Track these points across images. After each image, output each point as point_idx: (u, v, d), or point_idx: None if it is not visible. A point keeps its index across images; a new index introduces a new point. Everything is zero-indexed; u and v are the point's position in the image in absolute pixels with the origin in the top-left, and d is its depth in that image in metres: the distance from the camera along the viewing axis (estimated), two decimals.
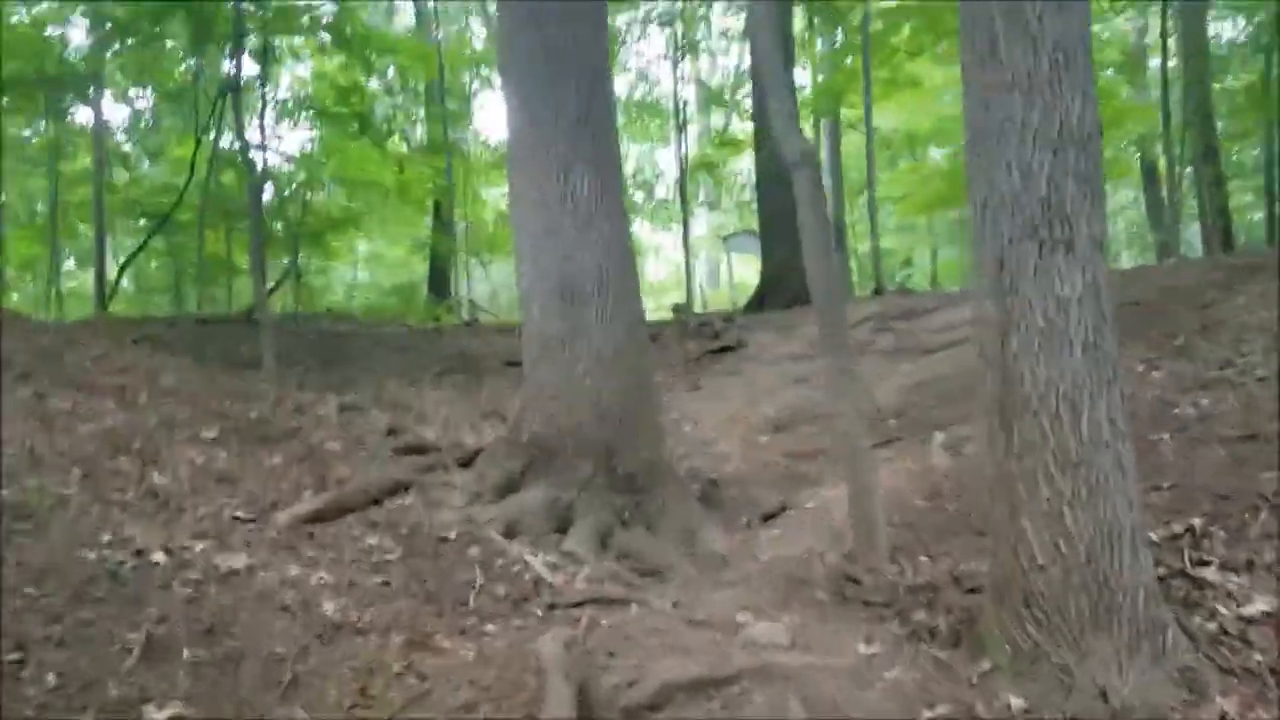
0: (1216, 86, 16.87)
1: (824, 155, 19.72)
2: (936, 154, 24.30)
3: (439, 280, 18.25)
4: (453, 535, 4.81)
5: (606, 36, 5.70)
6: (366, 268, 22.87)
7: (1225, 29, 17.47)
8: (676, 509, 5.13)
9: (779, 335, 10.37)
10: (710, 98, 18.04)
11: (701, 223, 25.26)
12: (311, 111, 17.65)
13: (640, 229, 26.71)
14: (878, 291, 13.07)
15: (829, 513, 5.29)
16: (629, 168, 21.25)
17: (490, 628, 3.90)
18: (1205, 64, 16.21)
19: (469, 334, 13.00)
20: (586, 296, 5.28)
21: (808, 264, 4.64)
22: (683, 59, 15.73)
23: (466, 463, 5.88)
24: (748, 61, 15.79)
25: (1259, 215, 19.04)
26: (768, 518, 5.42)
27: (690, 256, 15.53)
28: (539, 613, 4.06)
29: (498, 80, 11.72)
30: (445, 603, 4.13)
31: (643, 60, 17.27)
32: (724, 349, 10.35)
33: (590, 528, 4.83)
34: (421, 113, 18.79)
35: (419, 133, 19.82)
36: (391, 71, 18.29)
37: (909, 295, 12.12)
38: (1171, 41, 16.74)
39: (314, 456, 6.36)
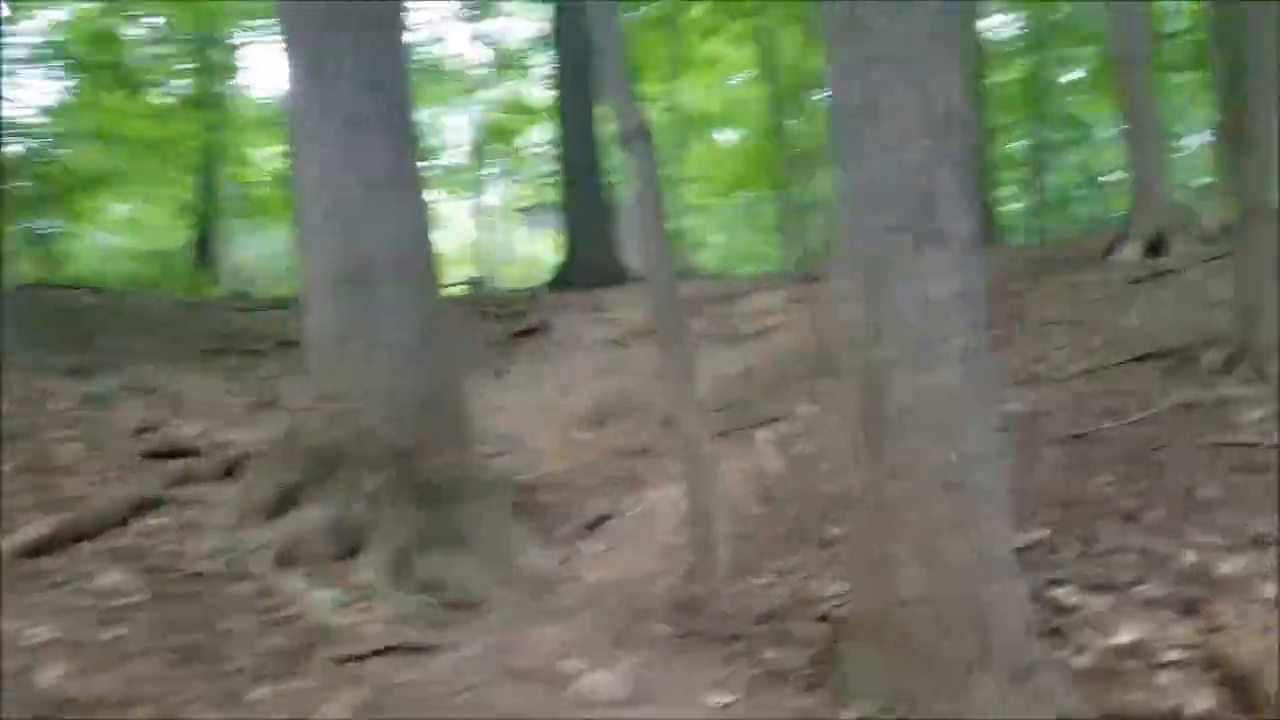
0: (987, 81, 17.73)
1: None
2: (721, 136, 24.53)
3: (205, 248, 16.54)
4: (213, 568, 3.97)
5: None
6: (125, 233, 20.52)
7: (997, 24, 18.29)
8: (488, 523, 4.48)
9: (588, 317, 9.83)
10: (507, 61, 17.18)
11: (494, 194, 24.38)
12: (60, 59, 15.55)
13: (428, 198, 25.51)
14: (685, 273, 12.75)
15: (656, 520, 4.81)
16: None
17: (260, 692, 3.14)
18: (976, 57, 16.96)
19: (239, 308, 11.70)
20: (378, 279, 4.51)
21: (642, 244, 4.13)
22: (476, 18, 14.83)
23: (232, 470, 4.99)
24: (548, 25, 15.06)
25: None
26: (591, 527, 4.87)
27: (484, 229, 14.72)
28: (322, 669, 3.33)
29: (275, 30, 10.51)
30: (203, 661, 3.32)
31: (431, 17, 16.12)
32: (529, 330, 9.70)
33: (385, 552, 4.10)
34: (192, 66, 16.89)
35: (188, 87, 17.86)
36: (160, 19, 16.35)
37: (718, 279, 11.87)
38: None
39: (44, 465, 5.27)
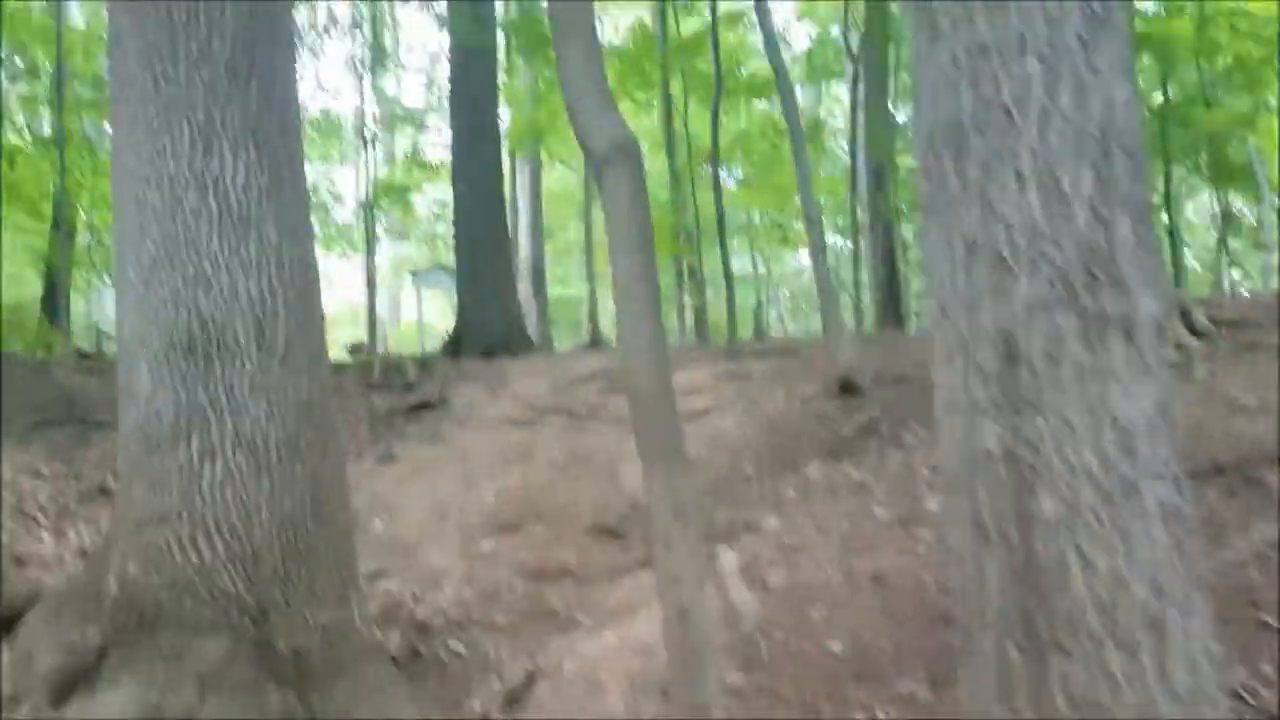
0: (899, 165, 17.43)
1: (521, 195, 18.13)
2: None
3: (55, 301, 14.42)
4: None
5: None
6: None
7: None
8: (373, 704, 3.06)
9: (488, 391, 8.45)
10: (401, 117, 15.81)
11: (383, 253, 22.74)
12: None
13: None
14: (594, 342, 11.47)
15: (604, 685, 3.47)
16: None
17: None
18: (887, 141, 16.59)
19: (84, 370, 9.81)
20: (234, 349, 3.10)
21: (623, 291, 2.87)
22: (370, 71, 13.46)
23: (13, 620, 3.42)
24: (444, 80, 13.83)
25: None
26: (514, 697, 3.48)
27: (375, 290, 13.22)
28: None
29: None
30: None
31: (321, 66, 14.65)
32: (422, 405, 8.24)
33: None
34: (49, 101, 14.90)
35: (45, 125, 15.82)
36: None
37: None
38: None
39: None
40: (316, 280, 3.48)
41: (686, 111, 16.93)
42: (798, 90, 21.08)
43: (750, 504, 4.91)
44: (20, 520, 4.94)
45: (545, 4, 3.29)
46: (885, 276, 16.60)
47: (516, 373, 9.17)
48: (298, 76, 3.70)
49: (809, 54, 20.46)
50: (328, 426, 3.35)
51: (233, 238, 3.15)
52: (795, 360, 7.97)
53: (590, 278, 12.03)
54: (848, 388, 6.39)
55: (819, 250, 6.71)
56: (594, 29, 3.06)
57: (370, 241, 12.17)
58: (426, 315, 22.55)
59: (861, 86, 16.28)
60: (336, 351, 14.81)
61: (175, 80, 3.14)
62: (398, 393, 8.94)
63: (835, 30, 19.39)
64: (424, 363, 10.56)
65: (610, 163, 2.68)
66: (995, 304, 1.90)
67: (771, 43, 6.94)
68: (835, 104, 21.96)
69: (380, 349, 15.69)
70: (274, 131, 3.31)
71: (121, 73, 3.21)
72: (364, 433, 7.69)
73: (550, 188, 20.11)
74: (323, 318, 3.52)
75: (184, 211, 3.11)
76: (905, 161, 19.11)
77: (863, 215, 18.46)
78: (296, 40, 3.62)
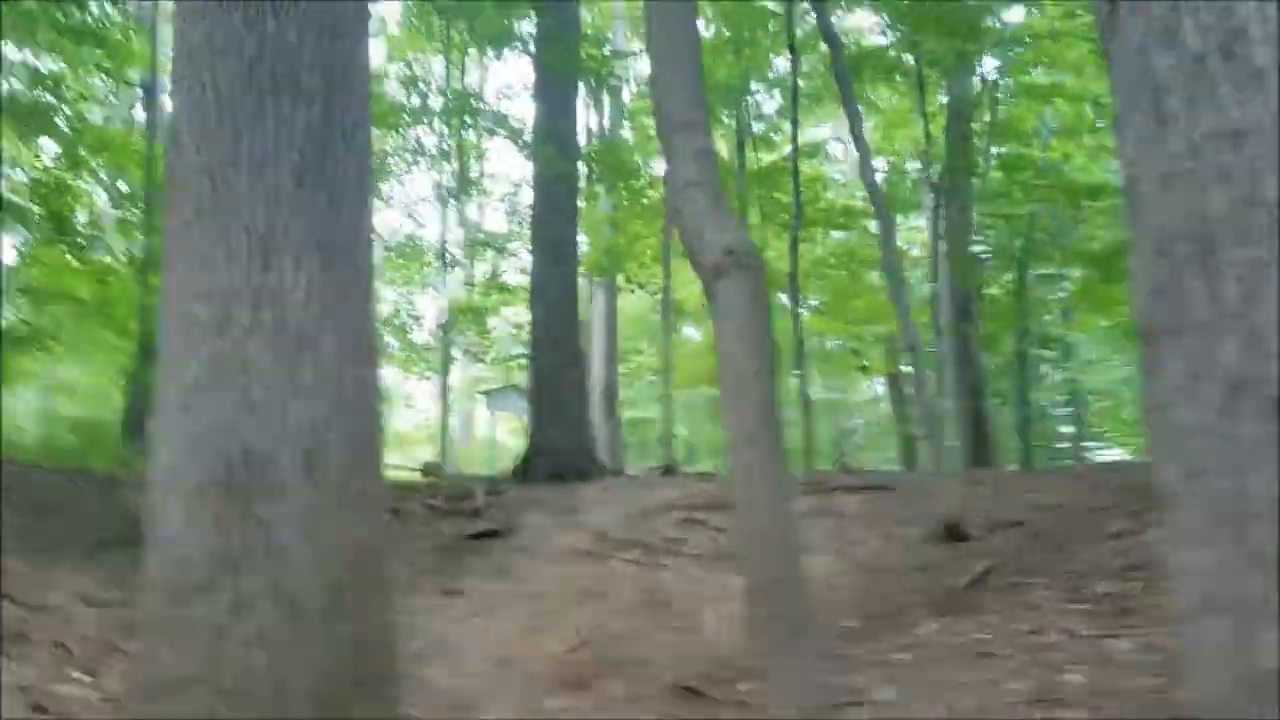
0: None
1: (597, 318, 18.00)
2: (693, 332, 23.52)
3: (137, 420, 14.46)
4: None
5: (366, 47, 3.31)
6: (60, 396, 18.41)
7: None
8: None
9: (558, 520, 7.93)
10: (482, 241, 15.93)
11: (458, 373, 22.74)
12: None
13: (391, 377, 23.79)
14: (668, 470, 10.95)
15: None
16: (384, 308, 18.55)
17: None
18: (971, 270, 16.13)
19: None
20: (279, 484, 2.67)
21: (737, 419, 2.39)
22: (455, 198, 13.59)
23: None
24: (526, 206, 13.88)
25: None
26: None
27: (448, 411, 12.97)
28: None
29: None
30: None
31: (407, 197, 14.92)
32: (489, 534, 7.76)
33: None
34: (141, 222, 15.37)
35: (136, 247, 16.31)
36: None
37: (710, 479, 10.07)
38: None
39: None
40: (377, 406, 3.06)
41: (765, 240, 16.78)
42: (873, 223, 20.94)
43: (857, 667, 4.25)
44: (53, 656, 4.52)
45: (651, 99, 2.99)
46: (972, 412, 15.82)
47: (588, 500, 8.66)
48: (372, 190, 3.39)
49: (887, 185, 20.28)
50: (379, 575, 2.86)
51: (287, 358, 2.76)
52: (890, 498, 7.32)
53: (666, 401, 11.55)
54: (955, 533, 5.73)
55: (922, 380, 6.16)
56: (708, 126, 2.69)
57: (445, 362, 11.95)
58: (498, 435, 22.33)
59: (943, 215, 15.95)
60: (407, 472, 14.51)
61: (235, 184, 2.83)
62: (464, 518, 8.49)
63: (910, 164, 19.27)
64: (493, 486, 10.13)
65: (725, 274, 2.26)
66: (1276, 463, 1.37)
67: (867, 167, 6.58)
68: (914, 233, 21.63)
69: (451, 470, 15.37)
70: (342, 243, 2.96)
71: (177, 175, 2.92)
72: (427, 562, 7.21)
73: (624, 309, 20.00)
74: (380, 449, 3.09)
75: (235, 328, 2.74)
76: (990, 293, 18.59)
77: (943, 348, 17.87)
78: (369, 150, 3.30)
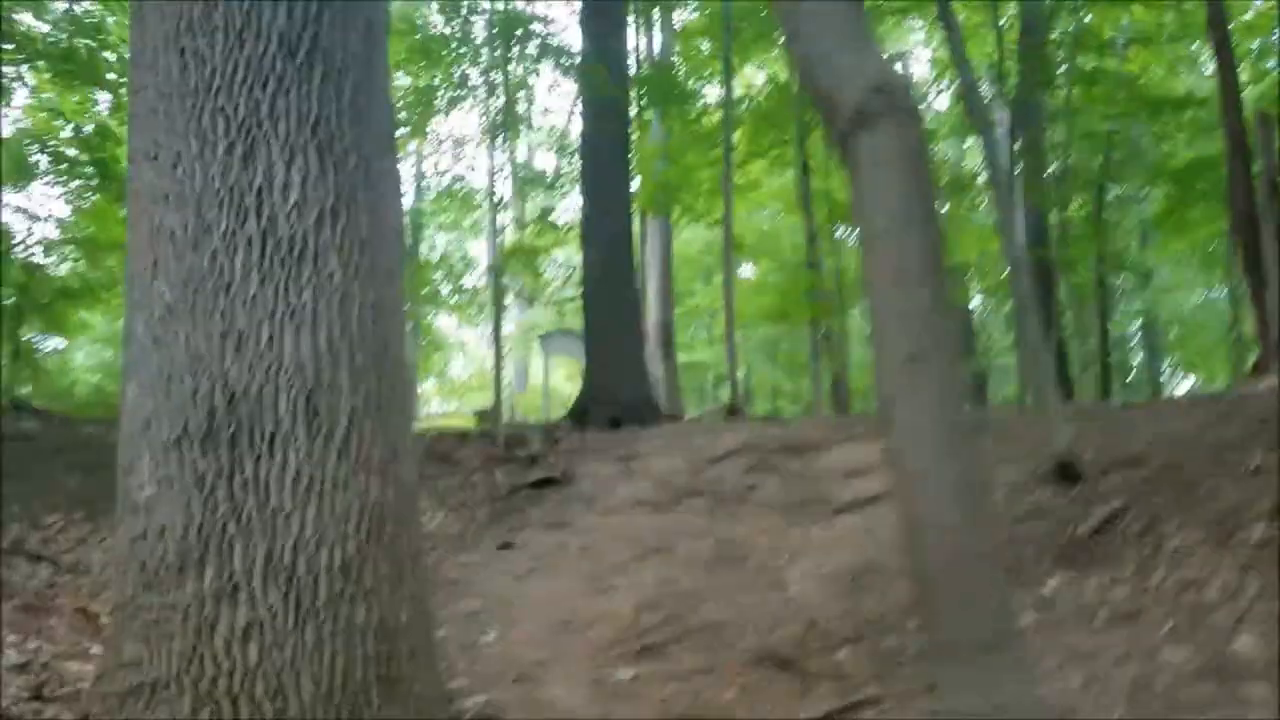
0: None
1: (651, 257, 17.28)
2: (747, 270, 22.66)
3: None
4: None
5: None
6: (113, 349, 18.35)
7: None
8: None
9: (619, 467, 7.36)
10: (531, 180, 15.25)
11: (510, 319, 22.26)
12: (46, 156, 13.76)
13: (444, 324, 23.41)
14: (732, 411, 10.29)
15: None
16: (430, 252, 18.05)
17: None
18: (1047, 190, 15.05)
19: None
20: (274, 435, 2.10)
21: (896, 325, 1.80)
22: (502, 135, 12.90)
23: None
24: (576, 140, 13.14)
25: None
26: None
27: (501, 356, 12.45)
28: None
29: None
30: None
31: (452, 140, 14.25)
32: (546, 481, 7.22)
33: None
34: None
35: None
36: None
37: (778, 422, 9.40)
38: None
39: None
40: (400, 338, 2.46)
41: (827, 170, 15.83)
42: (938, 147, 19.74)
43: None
44: (73, 626, 4.09)
45: None
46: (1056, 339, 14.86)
47: (648, 446, 8.07)
48: (388, 71, 2.76)
49: (954, 105, 19.01)
50: (405, 546, 2.28)
51: (280, 277, 2.17)
52: (984, 435, 6.59)
53: (729, 340, 10.86)
54: (1068, 473, 5.02)
55: (1027, 303, 5.39)
56: None
57: (498, 305, 11.39)
58: (554, 381, 21.88)
59: (1019, 134, 14.84)
60: (462, 419, 14.11)
61: (208, 60, 2.21)
62: (520, 466, 7.97)
63: (984, 85, 18.02)
64: (549, 432, 9.61)
65: (870, 122, 1.60)
66: None
67: (965, 72, 5.73)
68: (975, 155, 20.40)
69: (506, 417, 14.94)
70: (347, 133, 2.34)
71: (141, 55, 2.31)
72: (482, 514, 6.72)
73: (677, 250, 19.23)
74: (405, 390, 2.49)
75: (213, 240, 2.15)
76: (1065, 216, 17.44)
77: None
78: (384, 20, 2.63)
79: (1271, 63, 14.88)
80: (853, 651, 3.76)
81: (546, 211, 13.21)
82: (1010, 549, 4.31)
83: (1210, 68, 16.58)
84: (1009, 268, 5.36)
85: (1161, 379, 20.55)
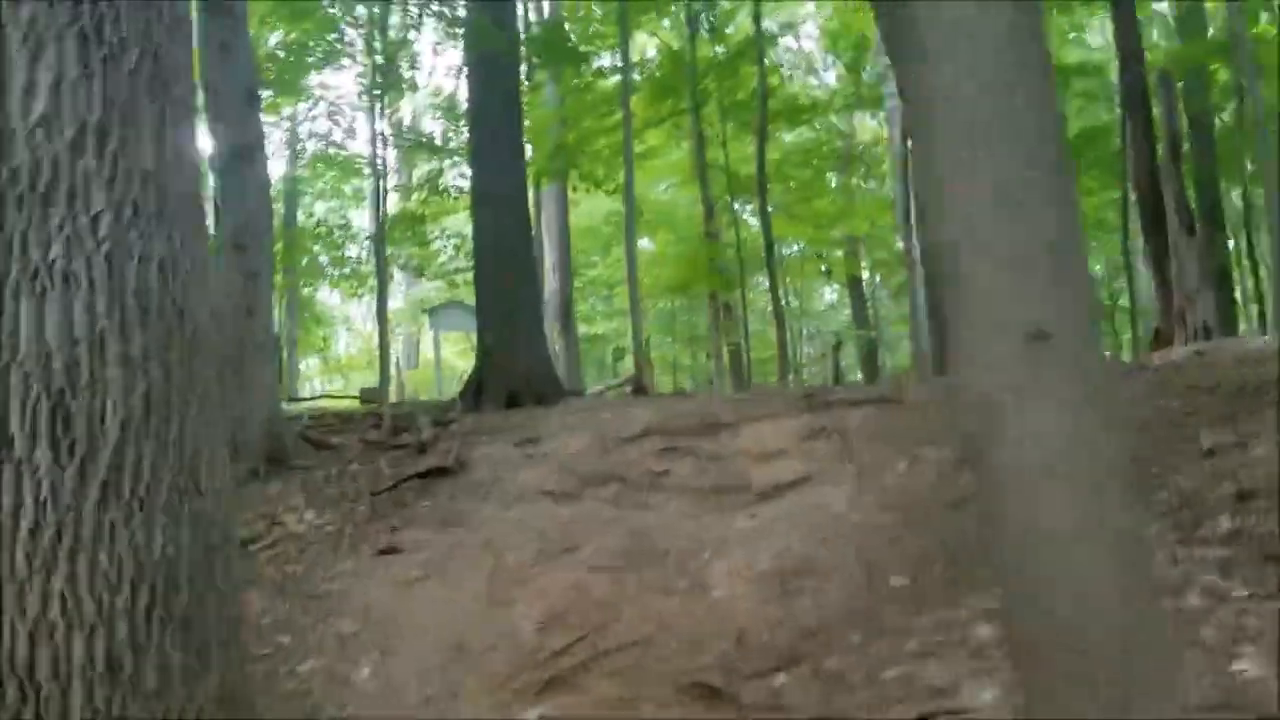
0: None
1: (547, 227, 16.51)
2: (645, 244, 22.11)
3: None
4: None
5: None
6: None
7: None
8: None
9: (518, 453, 6.69)
10: (417, 144, 14.22)
11: (398, 292, 21.16)
12: None
13: (329, 298, 22.12)
14: (638, 388, 9.69)
15: None
16: (309, 220, 16.80)
17: None
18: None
19: None
20: (16, 464, 1.37)
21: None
22: (382, 98, 11.91)
23: None
24: (464, 101, 12.24)
25: None
26: None
27: (387, 330, 11.55)
28: None
29: None
30: None
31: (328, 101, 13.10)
32: (437, 471, 6.49)
33: None
34: None
35: None
36: None
37: (686, 398, 8.85)
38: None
39: None
40: (204, 308, 1.74)
41: (725, 141, 15.35)
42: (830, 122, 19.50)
43: (929, 649, 3.11)
44: None
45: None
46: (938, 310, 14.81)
47: (550, 427, 7.42)
48: None
49: (841, 82, 18.76)
50: (215, 622, 1.57)
51: (16, 224, 1.43)
52: (900, 412, 6.18)
53: (634, 312, 10.24)
54: None
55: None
56: None
57: (381, 277, 10.48)
58: (448, 357, 20.91)
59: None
60: (346, 402, 13.10)
61: None
62: (408, 454, 7.21)
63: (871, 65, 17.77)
64: (440, 414, 8.83)
65: None
66: None
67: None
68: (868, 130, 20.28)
69: (394, 397, 14.01)
70: (124, 16, 1.60)
71: None
72: (362, 511, 5.95)
73: (575, 223, 18.49)
74: (207, 368, 1.77)
75: None
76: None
77: (912, 249, 16.75)
78: None
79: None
80: (791, 677, 3.21)
81: (434, 174, 12.25)
82: (947, 544, 3.85)
83: (1100, 39, 16.71)
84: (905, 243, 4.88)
85: None
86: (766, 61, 15.67)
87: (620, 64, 11.56)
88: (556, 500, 5.61)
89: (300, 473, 6.93)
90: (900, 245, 19.95)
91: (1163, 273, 9.01)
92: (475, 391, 10.62)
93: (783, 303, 20.90)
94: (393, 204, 13.88)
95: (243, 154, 7.32)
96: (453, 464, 6.48)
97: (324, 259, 16.73)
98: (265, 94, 12.54)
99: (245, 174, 7.35)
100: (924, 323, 15.24)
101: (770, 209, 18.24)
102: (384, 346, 10.34)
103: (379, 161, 10.97)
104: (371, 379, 17.45)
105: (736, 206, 17.96)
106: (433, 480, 6.32)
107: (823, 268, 19.05)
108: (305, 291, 20.35)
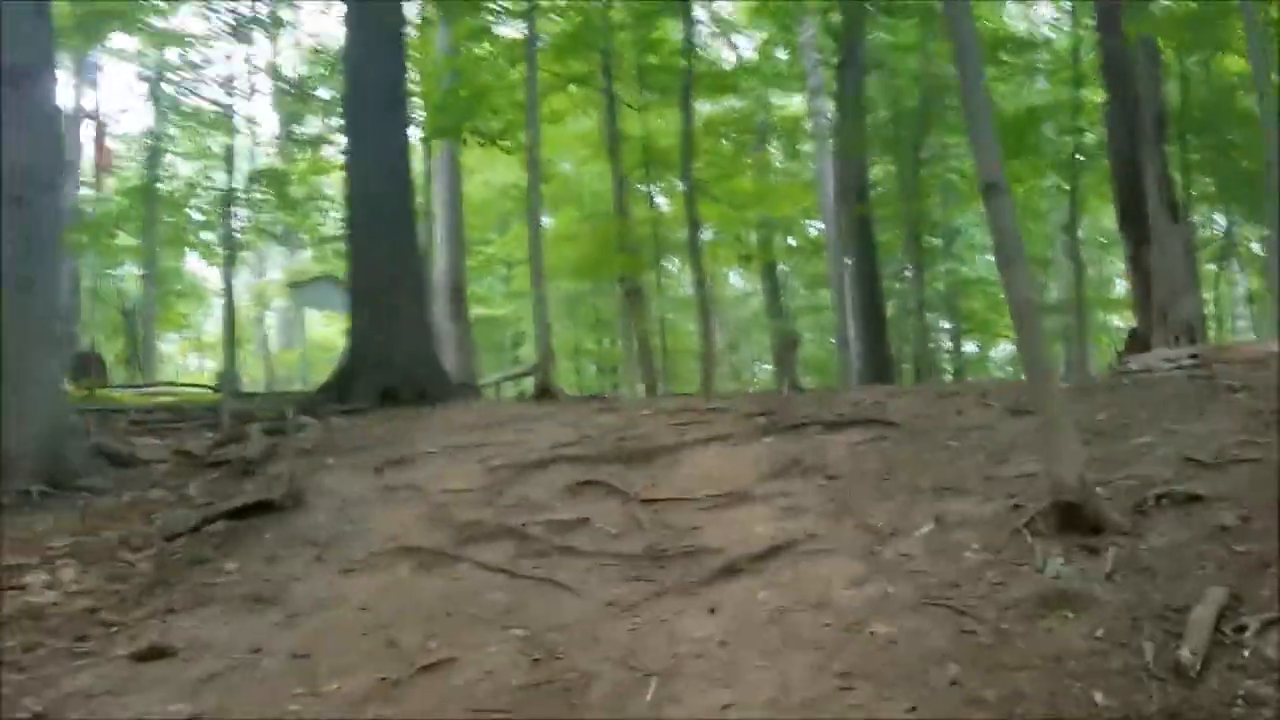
0: None
1: (437, 197, 14.42)
2: (546, 221, 20.13)
3: None
4: None
5: None
6: None
7: None
8: None
9: (377, 481, 4.79)
10: (289, 93, 11.94)
11: (274, 264, 18.67)
12: None
13: (196, 266, 19.41)
14: (544, 392, 7.79)
15: None
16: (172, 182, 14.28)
17: None
18: (862, 138, 13.50)
19: None
20: None
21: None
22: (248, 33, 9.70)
23: None
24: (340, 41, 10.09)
25: None
26: None
27: (237, 305, 9.38)
28: None
29: None
30: None
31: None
32: (259, 507, 4.52)
33: None
34: None
35: None
36: None
37: (605, 405, 6.99)
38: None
39: None
40: None
41: (644, 107, 13.52)
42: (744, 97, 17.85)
43: None
44: None
45: None
46: (871, 312, 13.16)
47: (428, 441, 5.57)
48: None
49: (761, 57, 17.04)
50: None
51: None
52: (901, 440, 4.54)
53: (539, 292, 8.37)
54: (1075, 517, 3.04)
55: (1011, 247, 3.25)
56: None
57: (229, 240, 8.34)
58: (330, 338, 18.53)
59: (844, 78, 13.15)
60: (190, 388, 10.85)
61: None
62: (229, 475, 5.25)
63: (806, 33, 16.17)
64: (293, 413, 6.81)
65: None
66: None
67: None
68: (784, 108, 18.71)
69: (257, 385, 11.80)
70: None
71: None
72: (143, 570, 3.98)
73: (469, 195, 16.39)
74: None
75: None
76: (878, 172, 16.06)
77: (832, 234, 15.36)
78: None
79: None
80: None
81: (292, 118, 10.07)
82: (1045, 683, 2.20)
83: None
84: (988, 189, 3.23)
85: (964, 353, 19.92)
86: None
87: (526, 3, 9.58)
88: (422, 565, 3.77)
89: (85, 499, 4.90)
90: (822, 230, 18.60)
91: (1142, 267, 7.74)
92: (344, 383, 8.62)
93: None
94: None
95: (20, 77, 5.22)
96: (282, 498, 4.54)
97: (186, 225, 14.26)
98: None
99: (25, 104, 5.26)
100: (850, 321, 13.81)
101: (675, 183, 16.44)
102: (230, 324, 8.21)
103: (232, 106, 8.81)
104: (223, 367, 15.09)
105: (646, 186, 16.24)
106: (252, 521, 4.39)
107: (742, 253, 17.44)
108: (168, 262, 17.71)
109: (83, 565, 3.93)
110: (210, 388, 10.58)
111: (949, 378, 16.93)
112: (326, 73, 11.11)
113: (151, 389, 10.58)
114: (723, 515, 3.89)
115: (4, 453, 4.69)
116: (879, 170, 16.26)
